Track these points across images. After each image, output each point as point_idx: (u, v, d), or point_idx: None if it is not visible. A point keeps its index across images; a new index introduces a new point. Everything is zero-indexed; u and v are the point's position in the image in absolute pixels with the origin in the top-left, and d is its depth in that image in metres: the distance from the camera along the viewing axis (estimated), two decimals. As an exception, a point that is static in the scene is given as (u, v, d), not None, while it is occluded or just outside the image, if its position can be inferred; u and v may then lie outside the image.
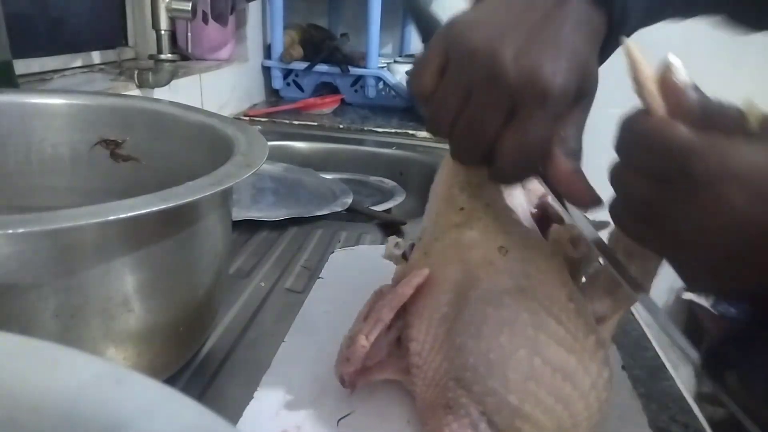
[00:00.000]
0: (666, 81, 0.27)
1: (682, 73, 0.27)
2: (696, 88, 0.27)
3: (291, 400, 0.38)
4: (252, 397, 0.39)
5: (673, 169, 0.25)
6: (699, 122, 0.25)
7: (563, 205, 0.34)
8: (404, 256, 0.46)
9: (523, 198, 0.44)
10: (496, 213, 0.39)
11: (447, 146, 0.38)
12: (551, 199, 0.43)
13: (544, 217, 0.42)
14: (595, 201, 0.33)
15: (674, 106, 0.27)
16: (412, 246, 0.45)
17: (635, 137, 0.27)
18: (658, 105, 0.27)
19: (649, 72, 0.28)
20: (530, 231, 0.39)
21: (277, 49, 1.40)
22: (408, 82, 0.37)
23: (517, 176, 0.35)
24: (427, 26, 0.40)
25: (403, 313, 0.39)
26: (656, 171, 0.26)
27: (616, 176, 0.28)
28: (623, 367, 0.45)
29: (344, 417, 0.37)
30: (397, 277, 0.44)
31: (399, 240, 0.48)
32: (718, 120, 0.25)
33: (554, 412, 0.31)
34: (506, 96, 0.31)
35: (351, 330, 0.39)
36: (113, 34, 1.01)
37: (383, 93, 1.42)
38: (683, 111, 0.26)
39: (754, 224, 0.24)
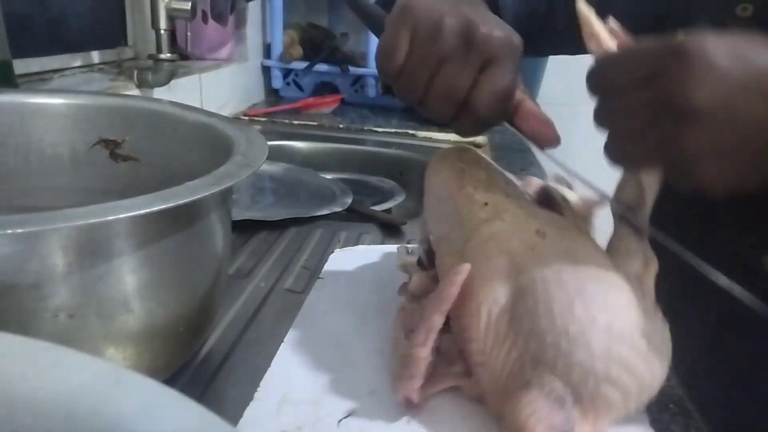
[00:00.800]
0: (612, 29, 0.35)
1: (617, 24, 0.36)
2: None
3: (291, 400, 0.38)
4: (252, 398, 0.39)
5: (666, 60, 0.30)
6: None
7: (536, 144, 0.40)
8: (419, 263, 0.46)
9: (523, 188, 0.44)
10: (518, 202, 0.39)
11: (446, 146, 0.38)
12: (551, 183, 0.44)
13: (546, 202, 0.42)
14: (557, 137, 0.40)
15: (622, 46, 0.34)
16: (428, 252, 0.45)
17: (618, 65, 0.32)
18: (613, 46, 0.34)
19: (600, 24, 0.35)
20: (552, 213, 0.40)
21: (277, 48, 1.40)
22: (377, 63, 0.41)
23: (491, 120, 0.40)
24: (373, 17, 0.47)
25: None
26: (648, 74, 0.30)
27: (607, 109, 0.32)
28: None
29: (345, 417, 0.37)
30: (417, 288, 0.44)
31: (409, 246, 0.48)
32: None
33: (637, 371, 0.32)
34: (480, 55, 0.37)
35: (397, 353, 0.39)
36: (113, 34, 1.01)
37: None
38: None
39: (740, 86, 0.28)
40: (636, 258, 0.36)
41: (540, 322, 0.33)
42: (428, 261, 0.45)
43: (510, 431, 0.33)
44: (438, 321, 0.36)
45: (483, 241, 0.38)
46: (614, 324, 0.32)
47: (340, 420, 0.37)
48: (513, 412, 0.33)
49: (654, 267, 0.36)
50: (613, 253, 0.37)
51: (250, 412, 0.37)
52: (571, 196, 0.43)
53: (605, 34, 0.35)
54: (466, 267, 0.37)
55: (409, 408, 0.37)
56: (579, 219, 0.40)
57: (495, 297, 0.36)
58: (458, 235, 0.40)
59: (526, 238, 0.36)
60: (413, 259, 0.46)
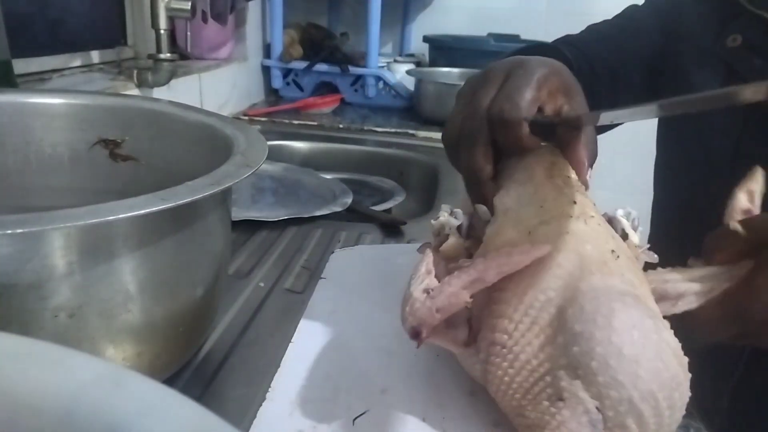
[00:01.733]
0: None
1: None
2: None
3: (305, 400, 0.38)
4: (252, 398, 0.39)
5: None
6: None
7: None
8: (459, 228, 0.44)
9: None
10: (599, 214, 0.39)
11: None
12: (618, 215, 0.43)
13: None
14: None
15: None
16: (471, 225, 0.43)
17: None
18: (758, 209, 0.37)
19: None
20: (625, 244, 0.39)
21: (277, 48, 1.40)
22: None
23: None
24: None
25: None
26: None
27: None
28: None
29: (360, 416, 0.37)
30: (450, 250, 0.42)
31: (456, 210, 0.45)
32: None
33: (663, 417, 0.32)
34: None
35: (414, 285, 0.36)
36: (112, 34, 1.01)
37: (383, 92, 1.42)
38: None
39: None
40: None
41: (595, 331, 0.32)
42: (468, 232, 0.43)
43: None
44: (491, 278, 0.34)
45: (561, 233, 0.37)
46: (659, 365, 0.32)
47: (355, 419, 0.37)
48: (540, 423, 0.33)
49: None
50: None
51: (263, 412, 0.37)
52: (633, 235, 0.42)
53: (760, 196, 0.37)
54: (546, 248, 0.35)
55: (416, 339, 0.34)
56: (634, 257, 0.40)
57: (546, 286, 0.35)
58: (532, 215, 0.39)
59: (601, 251, 0.36)
60: (455, 222, 0.44)
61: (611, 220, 0.42)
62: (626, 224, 0.42)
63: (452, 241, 0.43)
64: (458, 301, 0.33)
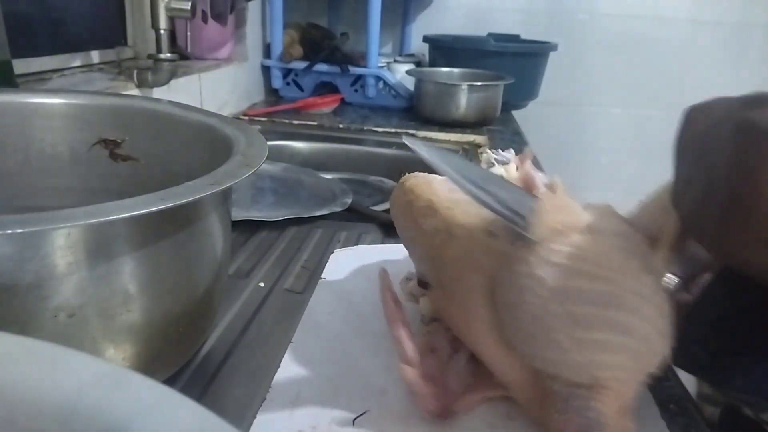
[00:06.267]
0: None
1: None
2: None
3: (305, 400, 0.38)
4: (253, 398, 0.39)
5: None
6: None
7: None
8: (420, 284, 0.46)
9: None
10: (463, 207, 0.39)
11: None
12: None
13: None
14: None
15: None
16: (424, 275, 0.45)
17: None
18: None
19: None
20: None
21: (277, 48, 1.40)
22: None
23: None
24: None
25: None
26: None
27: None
28: None
29: (360, 416, 0.37)
30: (429, 310, 0.44)
31: (407, 274, 0.49)
32: None
33: (621, 345, 0.30)
34: None
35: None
36: (112, 34, 1.01)
37: (383, 92, 1.42)
38: None
39: None
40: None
41: (516, 333, 0.33)
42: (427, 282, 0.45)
43: None
44: (397, 331, 0.37)
45: (451, 267, 0.37)
46: (571, 309, 0.30)
47: (355, 419, 0.36)
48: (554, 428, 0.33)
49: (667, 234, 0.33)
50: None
51: (263, 412, 0.37)
52: (512, 171, 0.44)
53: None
54: (383, 272, 0.40)
55: (439, 418, 0.37)
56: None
57: (483, 319, 0.35)
58: (432, 272, 0.40)
59: (482, 244, 0.36)
60: (414, 282, 0.46)
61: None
62: (540, 177, 0.45)
63: (423, 301, 0.45)
64: (408, 374, 0.36)
